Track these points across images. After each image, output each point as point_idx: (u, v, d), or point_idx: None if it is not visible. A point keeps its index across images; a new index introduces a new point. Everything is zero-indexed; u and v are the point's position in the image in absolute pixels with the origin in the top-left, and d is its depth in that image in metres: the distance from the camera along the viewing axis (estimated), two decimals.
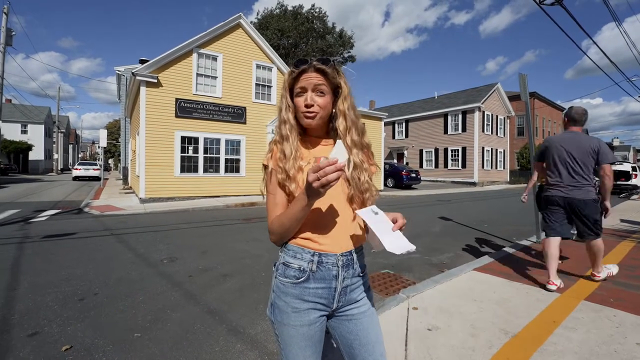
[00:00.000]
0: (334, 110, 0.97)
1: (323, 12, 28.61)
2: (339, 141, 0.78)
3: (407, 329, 2.29)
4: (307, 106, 0.92)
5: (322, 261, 0.92)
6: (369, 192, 0.97)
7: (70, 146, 53.76)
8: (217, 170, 11.30)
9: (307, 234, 0.93)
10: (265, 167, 0.97)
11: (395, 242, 0.82)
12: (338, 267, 0.93)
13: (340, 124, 0.96)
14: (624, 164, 16.84)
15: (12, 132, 31.55)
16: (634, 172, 16.29)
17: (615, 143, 59.70)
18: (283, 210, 0.94)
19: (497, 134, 23.70)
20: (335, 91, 0.96)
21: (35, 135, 34.32)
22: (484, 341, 2.12)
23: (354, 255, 0.96)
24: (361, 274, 0.99)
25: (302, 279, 0.92)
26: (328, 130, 1.02)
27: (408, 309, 2.61)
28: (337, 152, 0.76)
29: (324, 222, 0.93)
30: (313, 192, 0.76)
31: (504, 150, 24.55)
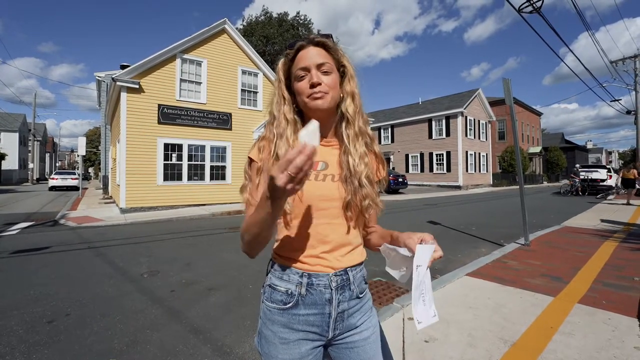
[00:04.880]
0: (340, 95, 0.82)
1: (308, 19, 28.86)
2: (313, 120, 0.60)
3: (403, 341, 2.20)
4: (313, 85, 0.76)
5: (312, 283, 0.78)
6: (369, 198, 0.82)
7: (47, 155, 51.56)
8: (202, 178, 10.99)
9: (294, 251, 0.80)
10: (251, 161, 0.81)
11: (426, 311, 0.70)
12: (331, 289, 0.79)
13: (349, 106, 0.82)
14: (599, 170, 17.35)
15: None
16: (608, 174, 16.98)
17: (589, 146, 62.63)
18: None
19: (479, 138, 24.29)
20: (340, 72, 0.82)
21: (8, 144, 32.69)
22: (484, 351, 2.05)
23: (350, 275, 0.82)
24: (360, 295, 0.85)
25: (290, 305, 0.79)
26: (335, 123, 0.86)
27: (403, 319, 2.51)
28: (309, 133, 0.58)
29: (312, 234, 0.79)
30: (279, 192, 0.57)
31: (486, 154, 25.15)
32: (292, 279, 0.79)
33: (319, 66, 0.77)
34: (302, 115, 0.85)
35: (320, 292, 0.79)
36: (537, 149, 34.12)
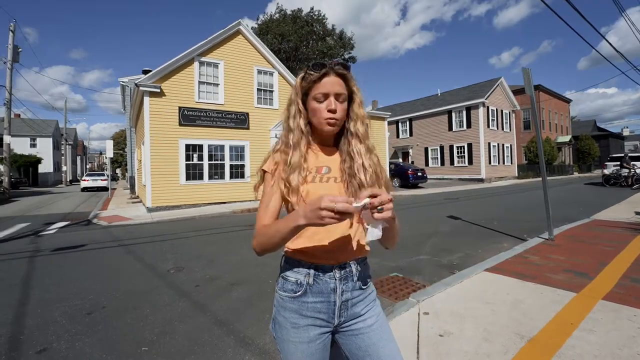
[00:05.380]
0: (350, 116, 0.97)
1: (322, 14, 28.72)
2: (379, 230, 0.75)
3: (418, 335, 2.24)
4: (331, 111, 0.89)
5: (318, 274, 0.90)
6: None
7: (78, 157, 54.62)
8: (222, 177, 11.34)
9: (302, 245, 0.91)
10: (264, 172, 0.96)
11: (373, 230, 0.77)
12: (336, 280, 0.91)
13: (360, 127, 0.96)
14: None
15: (21, 146, 32.22)
16: None
17: (625, 133, 58.46)
18: (274, 219, 0.90)
19: (502, 128, 23.40)
20: (350, 97, 0.95)
21: (44, 148, 34.98)
22: (499, 346, 2.05)
23: (353, 267, 0.93)
24: (363, 287, 0.95)
25: (299, 293, 0.90)
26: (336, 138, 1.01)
27: (419, 314, 2.54)
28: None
29: (319, 231, 0.89)
30: (316, 218, 0.70)
31: (510, 145, 24.21)
32: (301, 270, 0.91)
33: (337, 95, 0.90)
34: (310, 126, 0.97)
35: (325, 282, 0.90)
36: (567, 138, 32.41)
